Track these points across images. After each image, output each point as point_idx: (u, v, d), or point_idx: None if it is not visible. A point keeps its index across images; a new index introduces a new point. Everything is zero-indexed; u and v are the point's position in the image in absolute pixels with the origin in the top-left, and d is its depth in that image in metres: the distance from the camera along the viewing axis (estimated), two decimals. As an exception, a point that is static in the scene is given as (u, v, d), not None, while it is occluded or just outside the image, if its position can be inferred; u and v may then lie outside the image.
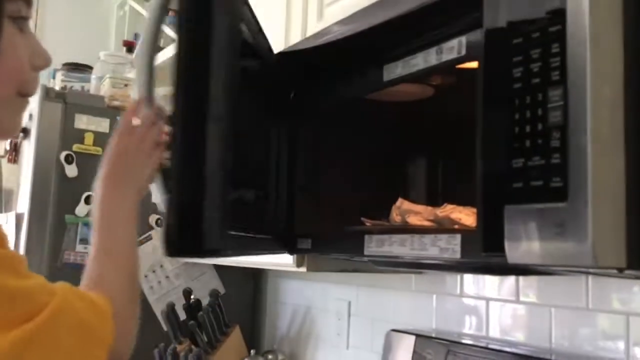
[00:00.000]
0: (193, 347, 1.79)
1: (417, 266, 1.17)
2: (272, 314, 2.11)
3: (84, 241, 1.86)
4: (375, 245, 1.07)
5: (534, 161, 0.73)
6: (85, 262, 1.86)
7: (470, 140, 0.83)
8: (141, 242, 1.97)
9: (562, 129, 0.70)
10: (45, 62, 0.78)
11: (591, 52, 0.67)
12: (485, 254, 0.82)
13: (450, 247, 0.92)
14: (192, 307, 1.87)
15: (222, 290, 1.99)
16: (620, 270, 0.69)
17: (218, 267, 2.08)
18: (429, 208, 1.11)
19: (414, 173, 1.45)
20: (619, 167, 0.68)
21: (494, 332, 1.32)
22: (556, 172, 0.70)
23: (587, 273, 0.99)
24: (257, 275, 2.18)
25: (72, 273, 1.81)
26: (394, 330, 1.45)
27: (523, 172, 0.74)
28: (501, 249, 0.77)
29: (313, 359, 1.87)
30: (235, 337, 1.90)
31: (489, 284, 1.35)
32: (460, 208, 1.04)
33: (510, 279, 1.29)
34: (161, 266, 2.00)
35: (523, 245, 0.74)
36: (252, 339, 2.06)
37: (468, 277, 1.40)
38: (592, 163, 0.67)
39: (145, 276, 1.97)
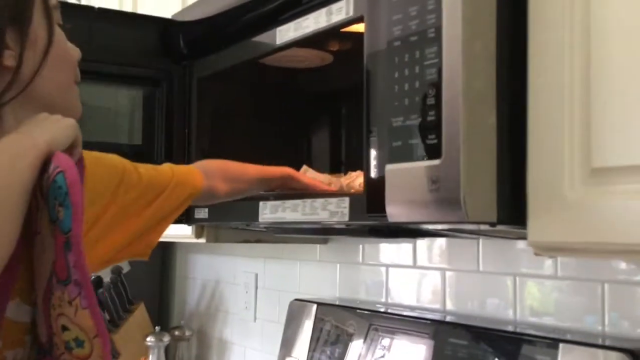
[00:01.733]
0: (95, 325, 1.73)
1: (311, 231, 1.16)
2: (181, 289, 2.07)
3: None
4: (269, 212, 1.06)
5: (411, 119, 0.73)
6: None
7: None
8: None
9: (437, 86, 0.70)
10: (78, 53, 0.80)
11: (464, 6, 0.67)
12: (369, 215, 0.82)
13: (339, 210, 0.92)
14: (95, 283, 1.80)
15: (126, 268, 1.93)
16: (492, 225, 0.70)
17: (123, 243, 2.01)
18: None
19: (317, 140, 1.44)
20: (491, 123, 0.69)
21: (394, 298, 1.34)
22: (431, 130, 0.70)
23: (472, 233, 1.01)
24: (165, 251, 2.12)
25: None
26: (296, 299, 1.45)
27: (402, 131, 0.74)
28: (384, 209, 0.77)
29: (221, 333, 1.85)
30: (140, 314, 1.85)
31: (389, 251, 1.36)
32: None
33: (408, 246, 1.31)
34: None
35: (402, 204, 0.74)
36: (160, 315, 2.02)
37: (369, 246, 1.41)
38: (464, 119, 0.67)
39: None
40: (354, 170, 1.04)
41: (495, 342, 1.01)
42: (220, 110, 1.32)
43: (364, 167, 0.82)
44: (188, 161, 1.24)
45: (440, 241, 1.25)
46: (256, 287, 1.73)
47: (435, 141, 0.69)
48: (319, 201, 0.96)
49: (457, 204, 0.67)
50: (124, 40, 1.20)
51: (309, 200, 0.98)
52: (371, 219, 0.83)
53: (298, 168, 1.12)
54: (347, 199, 0.91)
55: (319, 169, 1.23)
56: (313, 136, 1.46)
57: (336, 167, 1.41)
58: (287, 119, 1.41)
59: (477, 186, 0.68)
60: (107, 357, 0.63)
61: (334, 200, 0.93)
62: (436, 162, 0.69)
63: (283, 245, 1.63)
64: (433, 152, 0.70)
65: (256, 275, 1.73)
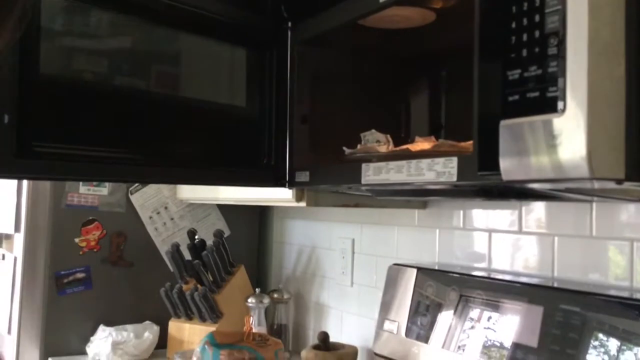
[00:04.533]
0: (199, 286, 1.80)
1: (415, 193, 1.14)
2: (278, 254, 2.12)
3: (87, 182, 1.86)
4: (372, 174, 1.05)
5: (530, 71, 0.69)
6: (88, 204, 1.85)
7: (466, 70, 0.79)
8: (144, 185, 1.96)
9: (560, 35, 0.66)
10: None
11: (591, -51, 0.63)
12: (480, 173, 0.79)
13: (446, 170, 0.90)
14: (197, 247, 1.87)
15: (227, 232, 1.99)
16: (619, 182, 0.66)
17: (222, 209, 2.08)
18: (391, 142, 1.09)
19: (415, 104, 1.41)
20: (619, 75, 0.65)
21: (498, 264, 1.31)
22: (553, 82, 0.66)
23: (588, 194, 0.96)
24: (262, 217, 2.17)
25: (74, 215, 1.84)
26: (395, 264, 1.44)
27: (519, 84, 0.70)
28: (496, 167, 0.74)
29: (318, 297, 1.88)
30: (241, 276, 1.91)
31: (492, 216, 1.33)
32: (423, 140, 1.02)
33: (512, 210, 1.27)
34: (165, 208, 2.00)
35: (518, 161, 0.71)
36: (258, 278, 2.08)
37: (471, 211, 1.38)
38: (590, 70, 0.63)
39: (150, 218, 1.97)
40: (454, 135, 1.02)
41: (611, 309, 0.96)
42: (320, 74, 1.31)
43: (474, 124, 0.80)
44: (290, 126, 1.25)
45: (548, 205, 1.20)
46: (353, 253, 1.74)
47: (557, 93, 0.66)
48: (425, 162, 0.94)
49: (581, 160, 0.64)
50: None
51: (414, 161, 0.96)
52: (482, 178, 0.81)
53: (398, 132, 1.10)
54: (455, 159, 0.89)
55: (419, 133, 1.21)
56: (412, 99, 1.43)
57: (436, 130, 1.38)
58: (386, 83, 1.39)
59: (602, 141, 0.64)
60: None
61: (440, 160, 0.91)
62: (558, 115, 0.66)
63: (380, 210, 1.62)
64: (554, 105, 0.66)
65: (353, 240, 1.74)
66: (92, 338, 1.79)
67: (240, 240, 2.06)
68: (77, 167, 1.05)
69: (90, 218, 1.87)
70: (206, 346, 1.37)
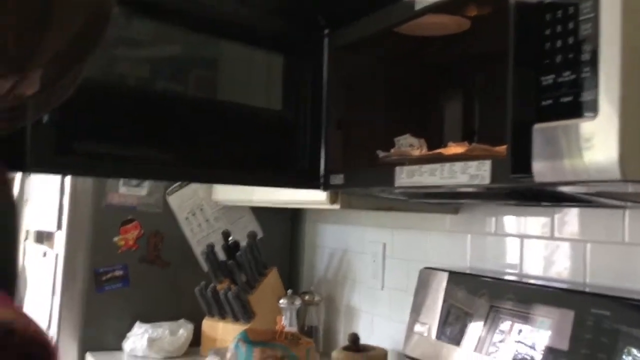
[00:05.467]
0: (232, 286, 1.84)
1: (447, 196, 1.16)
2: (310, 257, 2.15)
3: (127, 183, 1.91)
4: (406, 176, 1.07)
5: (564, 76, 0.71)
6: (127, 204, 1.90)
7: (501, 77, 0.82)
8: (181, 186, 2.02)
9: (593, 41, 0.68)
10: None
11: (624, -42, 0.65)
12: (513, 176, 0.81)
13: (479, 173, 0.92)
14: (231, 248, 1.91)
15: (260, 234, 2.03)
16: (651, 185, 0.68)
17: (256, 211, 2.12)
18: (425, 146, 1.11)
19: (449, 110, 1.43)
20: (652, 79, 0.66)
21: (529, 269, 1.32)
22: (587, 86, 0.68)
23: (620, 199, 0.97)
24: (294, 220, 2.21)
25: (114, 214, 1.90)
26: (427, 267, 1.46)
27: (553, 89, 0.72)
28: (529, 170, 0.76)
29: (349, 300, 1.91)
30: (273, 278, 1.94)
31: (524, 222, 1.34)
32: (456, 145, 1.04)
33: (545, 217, 1.28)
34: (201, 209, 2.05)
35: (550, 164, 0.73)
36: (290, 280, 2.11)
37: (503, 216, 1.39)
38: (623, 75, 0.65)
39: (186, 218, 2.02)
40: (486, 140, 1.03)
41: (643, 314, 0.97)
42: (355, 79, 1.34)
43: (507, 128, 0.82)
44: (325, 130, 1.28)
45: (581, 211, 1.21)
46: (384, 257, 1.76)
47: (590, 98, 0.68)
48: (458, 165, 0.96)
49: (613, 162, 0.65)
50: (268, 3, 1.25)
51: (447, 164, 0.98)
52: (515, 180, 0.83)
53: (431, 138, 1.12)
54: (488, 162, 0.91)
55: (452, 139, 1.23)
56: (445, 105, 1.45)
57: (469, 136, 1.39)
58: (419, 88, 1.42)
59: (635, 144, 0.66)
60: None
61: (473, 163, 0.93)
62: (591, 119, 0.67)
63: (412, 215, 1.64)
64: (587, 109, 0.68)
65: (384, 244, 1.76)
66: (128, 334, 1.84)
67: (273, 242, 2.10)
68: (115, 165, 1.10)
69: (129, 218, 1.93)
70: (240, 343, 1.41)
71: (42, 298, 1.95)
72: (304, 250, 2.18)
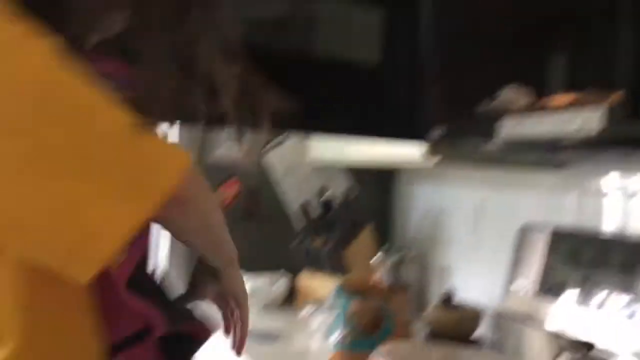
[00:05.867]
0: (327, 242, 1.88)
1: (552, 148, 1.13)
2: (403, 216, 2.16)
3: (227, 141, 1.99)
4: (511, 127, 1.06)
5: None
6: (227, 162, 1.97)
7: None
8: (278, 144, 2.07)
9: None
10: None
11: None
12: (627, 123, 0.79)
13: (590, 121, 0.89)
14: (326, 205, 1.95)
15: (354, 193, 2.06)
16: None
17: (350, 171, 2.14)
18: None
19: (553, 62, 1.39)
20: None
21: (635, 228, 1.27)
22: None
23: None
24: (388, 180, 2.22)
25: (216, 171, 1.98)
26: (527, 225, 1.43)
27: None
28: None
29: (442, 259, 1.91)
30: (367, 235, 1.97)
31: (632, 179, 1.28)
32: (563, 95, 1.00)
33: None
34: (297, 167, 2.10)
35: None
36: (384, 239, 2.13)
37: (608, 172, 1.34)
38: None
39: (283, 176, 2.07)
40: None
41: None
42: (457, 30, 1.32)
43: (621, 74, 0.79)
44: (426, 82, 1.28)
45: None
46: (480, 216, 1.74)
47: None
48: (568, 113, 0.94)
49: None
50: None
51: (556, 113, 0.96)
52: (628, 127, 0.80)
53: (537, 88, 1.09)
54: (599, 110, 0.88)
55: (557, 91, 1.19)
56: (552, 56, 1.40)
57: (574, 89, 1.34)
58: (525, 39, 1.37)
59: None
60: None
61: (584, 110, 0.90)
62: None
63: (511, 172, 1.61)
64: None
65: (481, 203, 1.74)
66: (229, 285, 1.93)
67: (367, 201, 2.12)
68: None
69: (229, 175, 2.00)
70: (337, 295, 1.45)
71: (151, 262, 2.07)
72: (398, 210, 2.19)
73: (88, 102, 0.54)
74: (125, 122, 0.55)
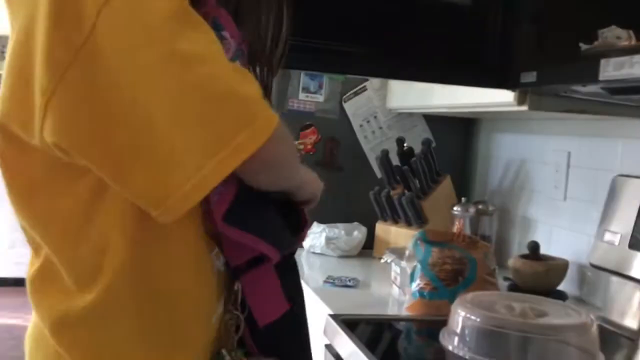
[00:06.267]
0: (406, 191, 1.87)
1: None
2: (484, 167, 2.11)
3: (306, 90, 1.98)
4: (613, 69, 1.00)
5: None
6: (306, 110, 1.98)
7: None
8: (356, 93, 2.05)
9: None
10: None
11: None
12: None
13: None
14: (405, 155, 1.93)
15: (433, 143, 2.02)
16: None
17: (429, 119, 2.10)
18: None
19: None
20: None
21: None
22: None
23: None
24: (469, 129, 2.16)
25: (295, 119, 1.99)
26: (621, 175, 1.37)
27: None
28: None
29: (525, 211, 1.86)
30: (446, 186, 1.94)
31: None
32: None
33: None
34: (375, 117, 2.08)
35: None
36: (463, 189, 2.10)
37: None
38: None
39: (361, 126, 2.06)
40: None
41: None
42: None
43: None
44: (517, 24, 1.22)
45: None
46: (568, 166, 1.68)
47: None
48: (680, 52, 0.87)
49: None
50: None
51: (665, 53, 0.90)
52: None
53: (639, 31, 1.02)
54: None
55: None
56: None
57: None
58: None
59: None
60: None
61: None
62: None
63: (602, 120, 1.53)
64: None
65: (569, 153, 1.67)
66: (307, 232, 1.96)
67: (447, 151, 2.08)
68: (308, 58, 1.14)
69: (308, 123, 2.01)
70: (419, 242, 1.44)
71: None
72: (478, 160, 2.14)
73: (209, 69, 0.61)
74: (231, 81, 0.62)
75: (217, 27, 0.67)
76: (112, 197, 0.62)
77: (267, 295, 0.72)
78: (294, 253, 0.79)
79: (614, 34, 1.09)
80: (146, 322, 0.64)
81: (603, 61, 1.01)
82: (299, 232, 0.78)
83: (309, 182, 0.81)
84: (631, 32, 1.07)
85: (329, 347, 1.25)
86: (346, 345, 1.16)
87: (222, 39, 0.67)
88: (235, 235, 0.67)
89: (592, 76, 1.03)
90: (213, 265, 0.70)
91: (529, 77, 1.20)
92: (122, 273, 0.63)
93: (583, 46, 1.09)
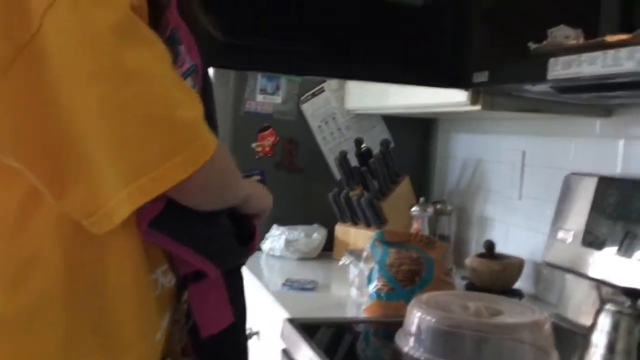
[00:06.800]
0: (365, 192, 1.86)
1: (605, 88, 1.08)
2: (442, 167, 2.12)
3: (263, 91, 1.96)
4: (561, 68, 1.01)
5: None
6: (263, 112, 1.96)
7: None
8: (314, 95, 2.04)
9: None
10: None
11: None
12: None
13: (649, 58, 0.84)
14: (364, 155, 1.93)
15: (392, 144, 2.02)
16: None
17: (388, 120, 2.11)
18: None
19: (606, 1, 1.31)
20: None
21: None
22: None
23: None
24: (426, 129, 2.17)
25: (252, 121, 1.97)
26: (574, 173, 1.39)
27: None
28: None
29: (482, 210, 1.87)
30: (405, 186, 1.94)
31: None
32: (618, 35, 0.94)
33: None
34: (333, 118, 2.07)
35: None
36: (421, 189, 2.10)
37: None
38: None
39: (319, 127, 2.05)
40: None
41: None
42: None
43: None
44: (469, 24, 1.22)
45: None
46: (523, 165, 1.70)
47: None
48: (624, 50, 0.88)
49: None
50: None
51: (611, 51, 0.91)
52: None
53: (587, 28, 1.04)
54: (660, 46, 0.82)
55: (610, 31, 1.13)
56: None
57: (630, 28, 1.27)
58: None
59: None
60: None
61: (643, 48, 0.85)
62: None
63: (555, 120, 1.56)
64: None
65: (523, 152, 1.69)
66: (266, 235, 1.94)
67: (405, 151, 2.08)
68: (256, 58, 1.13)
69: (266, 125, 1.99)
70: (376, 243, 1.43)
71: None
72: (436, 160, 2.15)
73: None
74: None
75: (174, 41, 0.65)
76: (48, 204, 0.60)
77: (213, 308, 0.71)
78: (243, 263, 0.78)
79: (563, 33, 1.10)
80: (76, 336, 0.62)
81: (552, 60, 1.02)
82: (247, 243, 0.77)
83: (256, 197, 0.80)
84: (580, 31, 1.08)
85: (285, 352, 1.23)
86: (303, 349, 1.14)
87: (177, 54, 0.65)
88: (160, 242, 0.66)
89: (540, 75, 1.04)
90: (157, 281, 0.68)
91: (481, 76, 1.21)
92: (55, 282, 0.60)
93: (532, 45, 1.09)
